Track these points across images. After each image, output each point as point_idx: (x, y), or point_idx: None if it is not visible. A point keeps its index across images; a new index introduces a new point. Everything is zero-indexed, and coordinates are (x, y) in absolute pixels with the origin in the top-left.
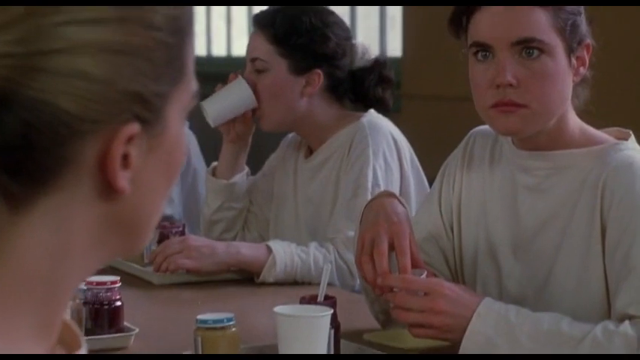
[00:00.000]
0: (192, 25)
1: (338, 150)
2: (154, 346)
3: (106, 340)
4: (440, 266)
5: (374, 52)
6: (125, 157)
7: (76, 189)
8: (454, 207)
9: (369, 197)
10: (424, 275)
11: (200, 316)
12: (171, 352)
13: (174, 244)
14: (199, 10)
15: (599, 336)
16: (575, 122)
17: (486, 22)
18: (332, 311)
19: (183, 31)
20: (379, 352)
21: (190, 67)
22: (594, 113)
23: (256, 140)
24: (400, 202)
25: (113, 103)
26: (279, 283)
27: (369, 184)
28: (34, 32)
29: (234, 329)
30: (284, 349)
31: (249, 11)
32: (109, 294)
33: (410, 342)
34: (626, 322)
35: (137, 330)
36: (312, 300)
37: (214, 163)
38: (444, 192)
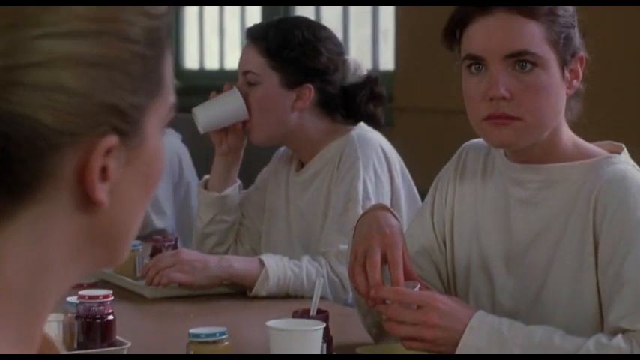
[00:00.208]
0: (169, 38)
1: (328, 163)
2: None
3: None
4: (433, 279)
5: (366, 65)
6: (104, 170)
7: (55, 202)
8: (447, 220)
9: (360, 210)
10: (417, 287)
11: (192, 330)
12: None
13: (167, 257)
14: (192, 23)
15: (592, 349)
16: (568, 135)
17: (480, 35)
18: (324, 325)
19: (160, 44)
20: None
21: (168, 80)
22: (587, 126)
23: (248, 154)
24: (393, 215)
25: (91, 116)
26: (271, 297)
27: (360, 198)
28: (12, 46)
29: (226, 343)
30: None
31: (242, 24)
32: (101, 308)
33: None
34: (619, 336)
35: (129, 344)
36: (304, 314)
37: (206, 177)
38: (436, 205)
